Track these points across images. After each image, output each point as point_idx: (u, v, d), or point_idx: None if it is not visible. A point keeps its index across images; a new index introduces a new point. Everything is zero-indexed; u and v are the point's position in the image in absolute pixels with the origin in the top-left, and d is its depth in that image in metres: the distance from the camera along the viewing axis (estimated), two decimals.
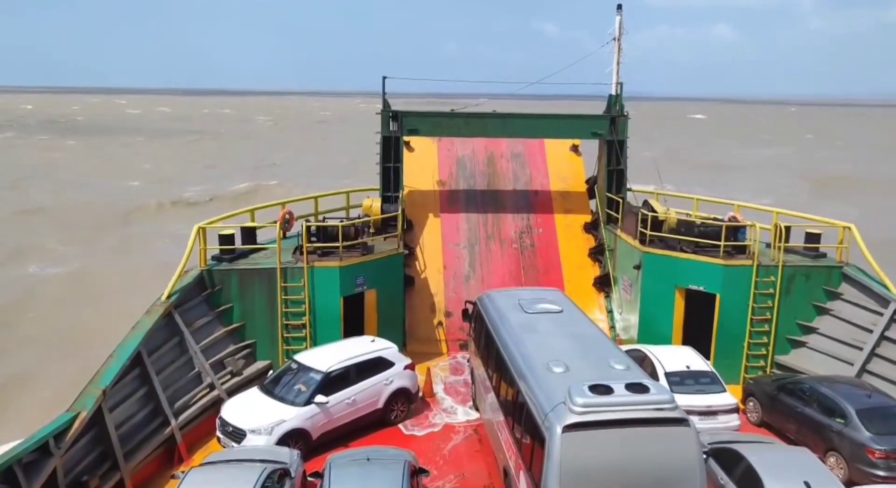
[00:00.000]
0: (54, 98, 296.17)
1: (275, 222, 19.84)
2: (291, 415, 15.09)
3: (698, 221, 20.73)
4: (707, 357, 18.12)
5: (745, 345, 19.12)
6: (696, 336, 19.33)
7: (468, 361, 18.94)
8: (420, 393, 17.88)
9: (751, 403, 17.51)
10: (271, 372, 17.80)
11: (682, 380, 15.99)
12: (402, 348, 19.26)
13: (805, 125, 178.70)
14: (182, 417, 15.84)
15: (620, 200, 22.89)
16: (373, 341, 17.60)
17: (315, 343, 18.45)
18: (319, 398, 15.42)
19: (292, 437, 14.88)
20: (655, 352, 17.15)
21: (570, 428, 10.25)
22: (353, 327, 19.20)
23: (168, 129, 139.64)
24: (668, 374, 16.10)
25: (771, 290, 19.02)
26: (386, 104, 22.66)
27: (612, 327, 22.19)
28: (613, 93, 23.89)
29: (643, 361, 16.28)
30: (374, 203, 21.77)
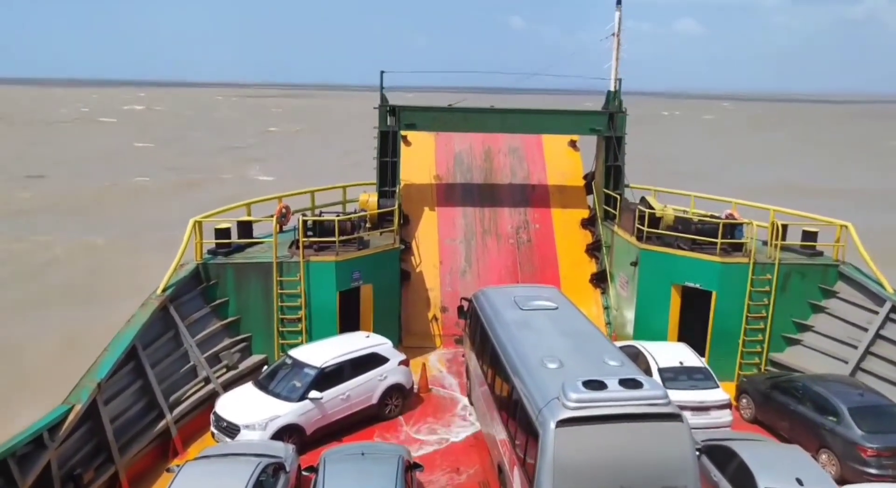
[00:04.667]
0: None
1: (271, 216, 19.83)
2: (285, 411, 15.10)
3: (695, 218, 20.73)
4: (702, 354, 18.15)
5: (741, 342, 19.15)
6: (692, 333, 19.34)
7: (464, 357, 18.97)
8: (415, 389, 17.90)
9: (744, 400, 17.54)
10: (266, 366, 17.81)
11: (676, 376, 16.04)
12: (398, 343, 19.22)
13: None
14: (177, 411, 15.84)
15: (618, 197, 22.89)
16: (367, 337, 17.59)
17: (311, 337, 18.45)
18: (314, 394, 15.43)
19: (286, 433, 14.90)
20: (649, 348, 17.19)
21: (563, 423, 10.28)
22: (349, 322, 19.18)
23: None
24: (661, 370, 16.16)
25: (767, 288, 19.04)
26: (384, 99, 22.63)
27: (608, 323, 22.21)
28: (612, 89, 23.87)
29: (637, 357, 16.32)
30: (370, 198, 21.75)
